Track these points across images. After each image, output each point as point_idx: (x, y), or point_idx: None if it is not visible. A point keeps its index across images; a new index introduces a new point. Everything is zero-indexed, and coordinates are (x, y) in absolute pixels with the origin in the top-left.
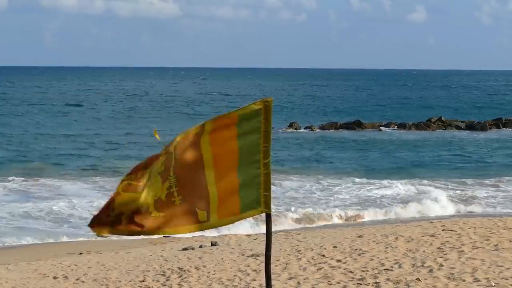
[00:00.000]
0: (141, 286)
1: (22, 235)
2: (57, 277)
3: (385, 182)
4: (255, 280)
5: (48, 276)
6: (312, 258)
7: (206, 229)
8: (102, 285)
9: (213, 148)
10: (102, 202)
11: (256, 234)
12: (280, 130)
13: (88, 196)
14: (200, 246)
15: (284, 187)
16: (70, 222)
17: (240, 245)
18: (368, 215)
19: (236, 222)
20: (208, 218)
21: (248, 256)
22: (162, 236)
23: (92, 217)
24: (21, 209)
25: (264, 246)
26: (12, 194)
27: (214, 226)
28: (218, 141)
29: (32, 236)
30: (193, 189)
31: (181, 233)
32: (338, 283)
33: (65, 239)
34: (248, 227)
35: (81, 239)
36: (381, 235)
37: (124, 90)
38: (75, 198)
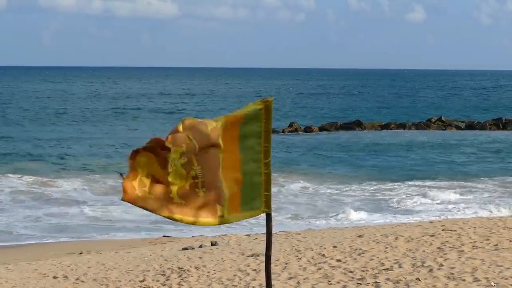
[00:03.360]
0: (141, 286)
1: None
2: (57, 277)
3: (390, 184)
4: (255, 280)
5: (48, 276)
6: (312, 258)
7: (222, 224)
8: (102, 285)
9: (225, 148)
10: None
11: (256, 234)
12: (280, 130)
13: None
14: (200, 246)
15: (287, 189)
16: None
17: (240, 245)
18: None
19: (237, 223)
20: (223, 213)
21: (248, 256)
22: (162, 235)
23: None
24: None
25: (264, 246)
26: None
27: (228, 222)
28: (228, 141)
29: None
30: (215, 184)
31: (202, 225)
32: (338, 283)
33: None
34: (248, 227)
35: (81, 239)
36: (381, 235)
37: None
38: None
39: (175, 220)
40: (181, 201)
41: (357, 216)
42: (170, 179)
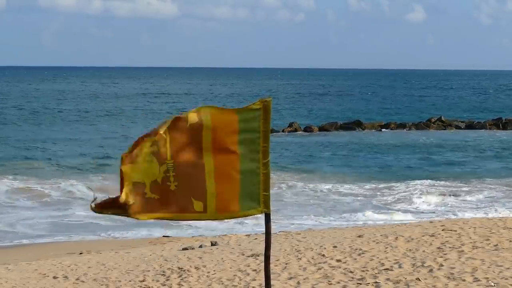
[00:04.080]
0: (141, 286)
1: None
2: (57, 277)
3: (390, 184)
4: (255, 280)
5: (48, 276)
6: (312, 258)
7: (203, 220)
8: (102, 285)
9: (215, 144)
10: None
11: (256, 234)
12: (280, 130)
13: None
14: (200, 246)
15: (286, 188)
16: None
17: (240, 245)
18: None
19: (238, 223)
20: (205, 209)
21: (248, 256)
22: (162, 235)
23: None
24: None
25: (264, 246)
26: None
27: (212, 219)
28: (220, 138)
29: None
30: (190, 178)
31: (177, 220)
32: (338, 283)
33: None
34: (248, 227)
35: (81, 239)
36: (381, 235)
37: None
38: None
39: (140, 218)
40: (153, 195)
41: (354, 217)
42: (143, 173)
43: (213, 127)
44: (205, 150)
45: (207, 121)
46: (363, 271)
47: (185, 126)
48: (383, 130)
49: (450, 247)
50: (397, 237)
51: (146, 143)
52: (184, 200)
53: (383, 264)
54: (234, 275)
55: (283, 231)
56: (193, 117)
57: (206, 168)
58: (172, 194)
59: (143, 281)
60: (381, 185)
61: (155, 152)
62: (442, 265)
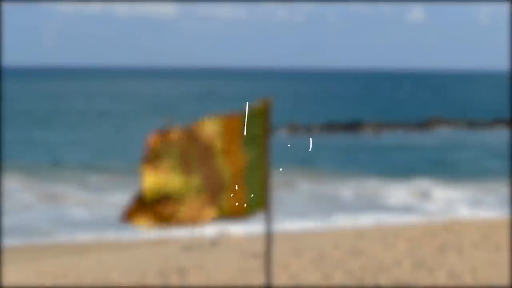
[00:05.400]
0: (141, 286)
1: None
2: (57, 277)
3: (390, 184)
4: (255, 280)
5: (48, 276)
6: (312, 258)
7: (210, 222)
8: (102, 285)
9: (225, 148)
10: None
11: (256, 234)
12: (279, 130)
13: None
14: (200, 246)
15: (286, 188)
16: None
17: (240, 245)
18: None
19: (238, 223)
20: (220, 210)
21: (248, 256)
22: (162, 235)
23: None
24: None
25: (264, 246)
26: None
27: (222, 219)
28: (226, 141)
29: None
30: (213, 182)
31: (200, 223)
32: (338, 283)
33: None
34: (248, 227)
35: (81, 239)
36: (381, 235)
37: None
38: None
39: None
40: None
41: (354, 217)
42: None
43: (221, 133)
44: (216, 154)
45: (215, 128)
46: (363, 271)
47: (199, 137)
48: (384, 130)
49: (450, 247)
50: (397, 237)
51: (174, 152)
52: (209, 204)
53: (383, 264)
54: (234, 275)
55: (283, 231)
56: (204, 127)
57: (223, 172)
58: (200, 200)
59: (143, 281)
60: (382, 185)
61: (182, 164)
62: (442, 265)
